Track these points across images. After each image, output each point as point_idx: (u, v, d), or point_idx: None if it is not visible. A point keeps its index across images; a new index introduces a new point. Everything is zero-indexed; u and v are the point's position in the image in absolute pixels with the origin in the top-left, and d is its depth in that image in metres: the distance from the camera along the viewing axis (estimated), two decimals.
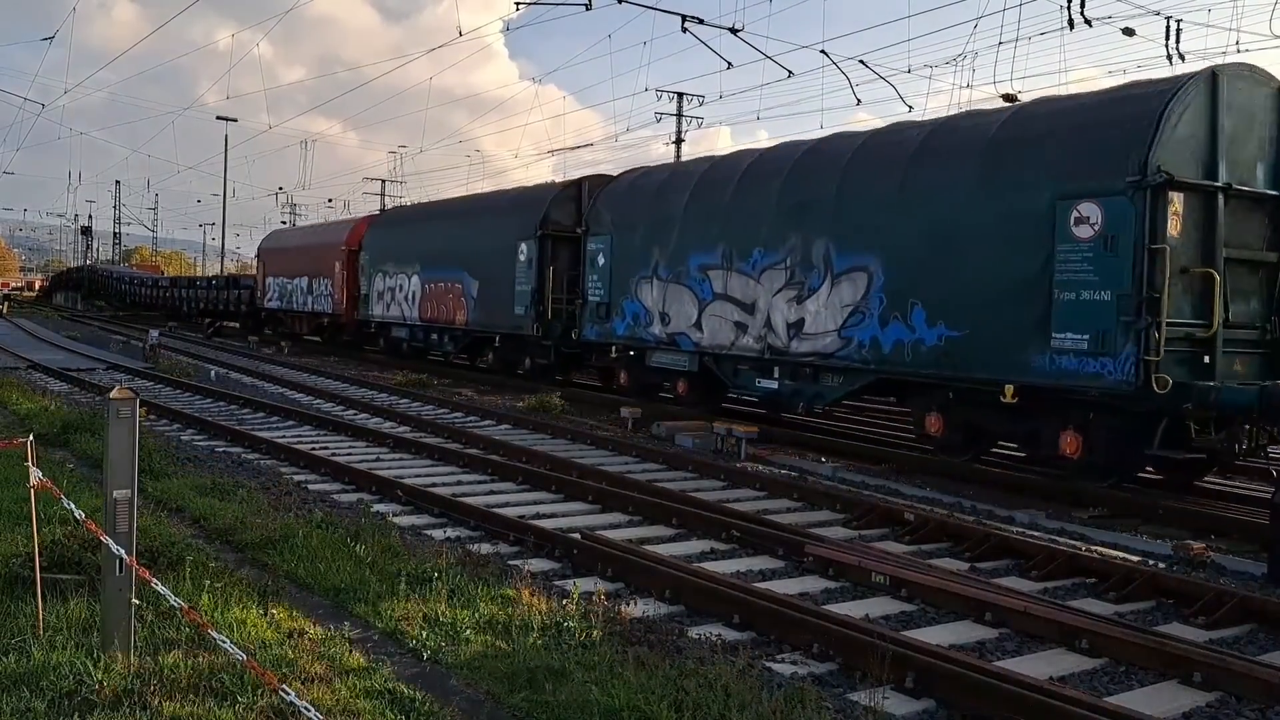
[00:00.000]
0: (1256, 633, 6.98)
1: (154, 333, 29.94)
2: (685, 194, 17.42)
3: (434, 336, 26.73)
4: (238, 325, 44.49)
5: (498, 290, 22.83)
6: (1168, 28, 19.37)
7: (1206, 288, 10.66)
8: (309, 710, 3.43)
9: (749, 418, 17.00)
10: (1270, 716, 5.44)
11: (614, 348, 19.09)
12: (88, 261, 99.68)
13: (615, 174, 21.20)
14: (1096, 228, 10.79)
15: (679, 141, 42.76)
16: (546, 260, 21.24)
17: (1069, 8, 17.78)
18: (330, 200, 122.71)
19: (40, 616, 5.47)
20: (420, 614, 6.12)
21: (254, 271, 43.67)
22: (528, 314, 21.58)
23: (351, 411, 17.71)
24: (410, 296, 27.12)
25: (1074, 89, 12.85)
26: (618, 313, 18.75)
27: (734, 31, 20.62)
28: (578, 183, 21.98)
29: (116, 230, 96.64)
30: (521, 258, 21.79)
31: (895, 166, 13.32)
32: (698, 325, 16.67)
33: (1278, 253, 11.22)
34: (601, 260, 19.34)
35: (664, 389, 18.84)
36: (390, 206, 32.90)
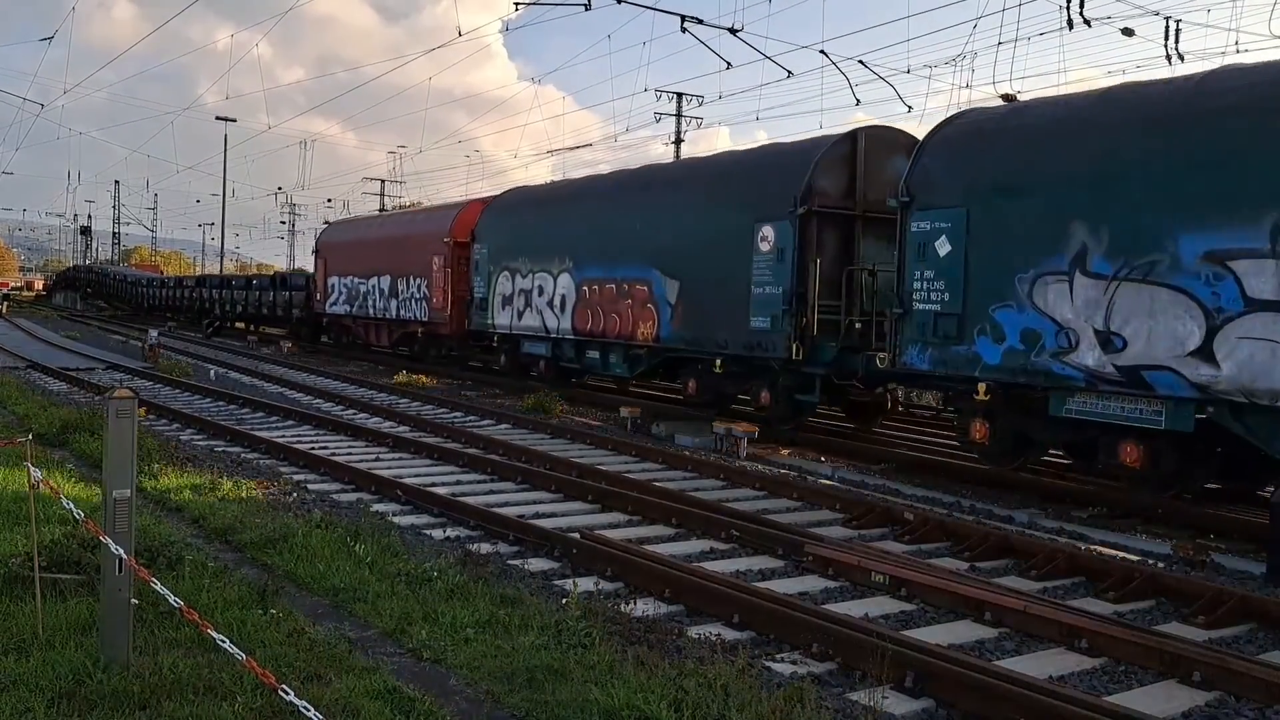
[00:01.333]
0: (1256, 632, 6.98)
1: (153, 332, 29.91)
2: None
3: (595, 354, 19.42)
4: (285, 333, 38.60)
5: (715, 294, 16.01)
6: (1167, 28, 19.39)
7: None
8: (308, 710, 3.42)
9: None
10: (1269, 716, 5.44)
11: (982, 386, 11.86)
12: (88, 260, 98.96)
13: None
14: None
15: (678, 142, 42.78)
16: (811, 249, 14.57)
17: (1068, 8, 17.80)
18: (329, 200, 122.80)
19: (39, 616, 5.47)
20: (420, 614, 6.12)
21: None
22: (777, 328, 14.78)
23: (351, 411, 17.70)
24: (556, 302, 20.19)
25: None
26: (982, 329, 11.72)
27: (733, 32, 20.62)
28: (850, 136, 15.29)
29: (116, 230, 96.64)
30: (765, 246, 15.10)
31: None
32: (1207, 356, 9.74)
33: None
34: (945, 248, 12.26)
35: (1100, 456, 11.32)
36: (514, 187, 25.10)
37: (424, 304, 26.08)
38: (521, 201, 23.46)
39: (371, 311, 29.07)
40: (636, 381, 20.89)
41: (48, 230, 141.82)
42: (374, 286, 28.92)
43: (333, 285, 31.85)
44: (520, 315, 21.59)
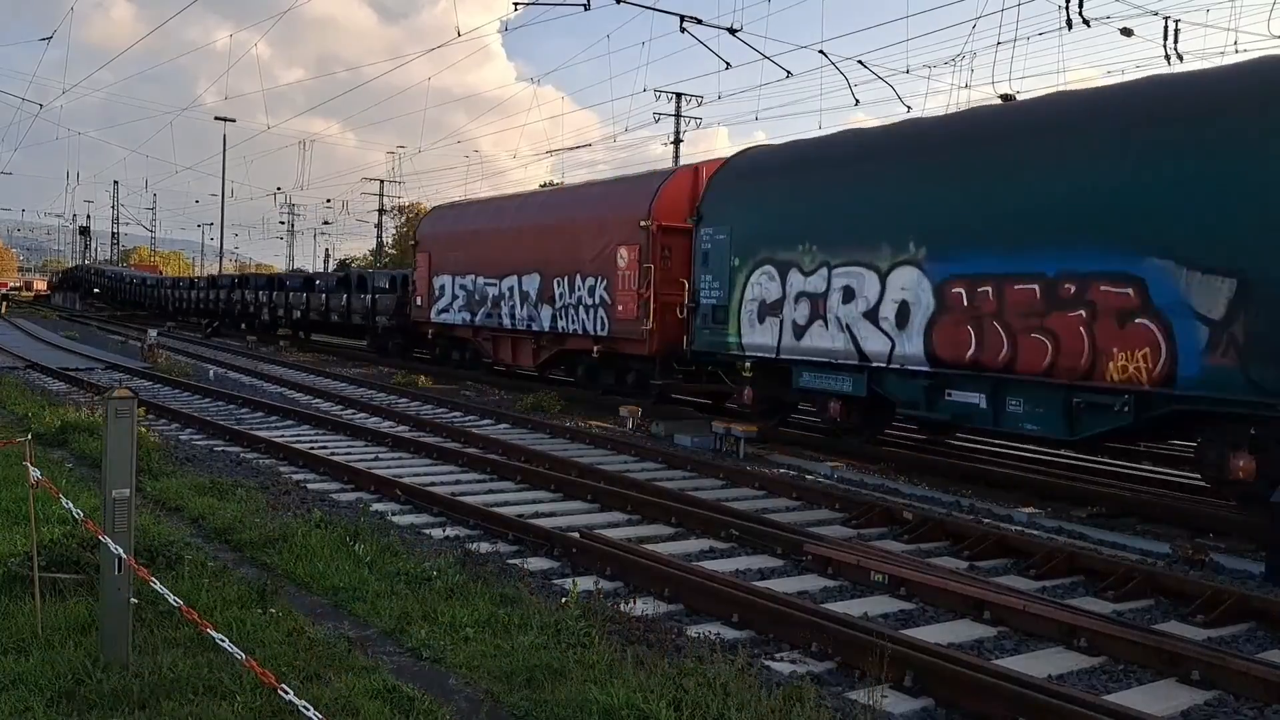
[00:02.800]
0: (1255, 631, 6.98)
1: (153, 332, 29.91)
2: None
3: (976, 399, 12.03)
4: (367, 346, 31.92)
5: None
6: (1166, 28, 19.39)
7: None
8: (308, 709, 3.42)
9: None
10: (1268, 714, 5.45)
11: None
12: (93, 259, 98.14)
13: None
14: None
15: (677, 142, 42.81)
16: None
17: (1067, 8, 17.79)
18: (329, 200, 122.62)
19: (39, 616, 5.47)
20: (419, 613, 6.12)
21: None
22: None
23: (350, 411, 17.71)
24: (886, 313, 12.93)
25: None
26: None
27: (732, 32, 20.62)
28: None
29: (115, 230, 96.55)
30: None
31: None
32: None
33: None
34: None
35: None
36: (755, 146, 18.29)
37: (599, 312, 19.00)
38: (794, 162, 15.26)
39: (506, 321, 22.08)
40: (1078, 446, 12.93)
41: (47, 230, 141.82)
42: (511, 289, 21.92)
43: (441, 287, 24.72)
44: (801, 332, 14.22)
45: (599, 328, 19.08)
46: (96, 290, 72.95)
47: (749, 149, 16.99)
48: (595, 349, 19.27)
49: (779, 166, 15.53)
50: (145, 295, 59.63)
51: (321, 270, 74.44)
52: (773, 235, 14.83)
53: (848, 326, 13.51)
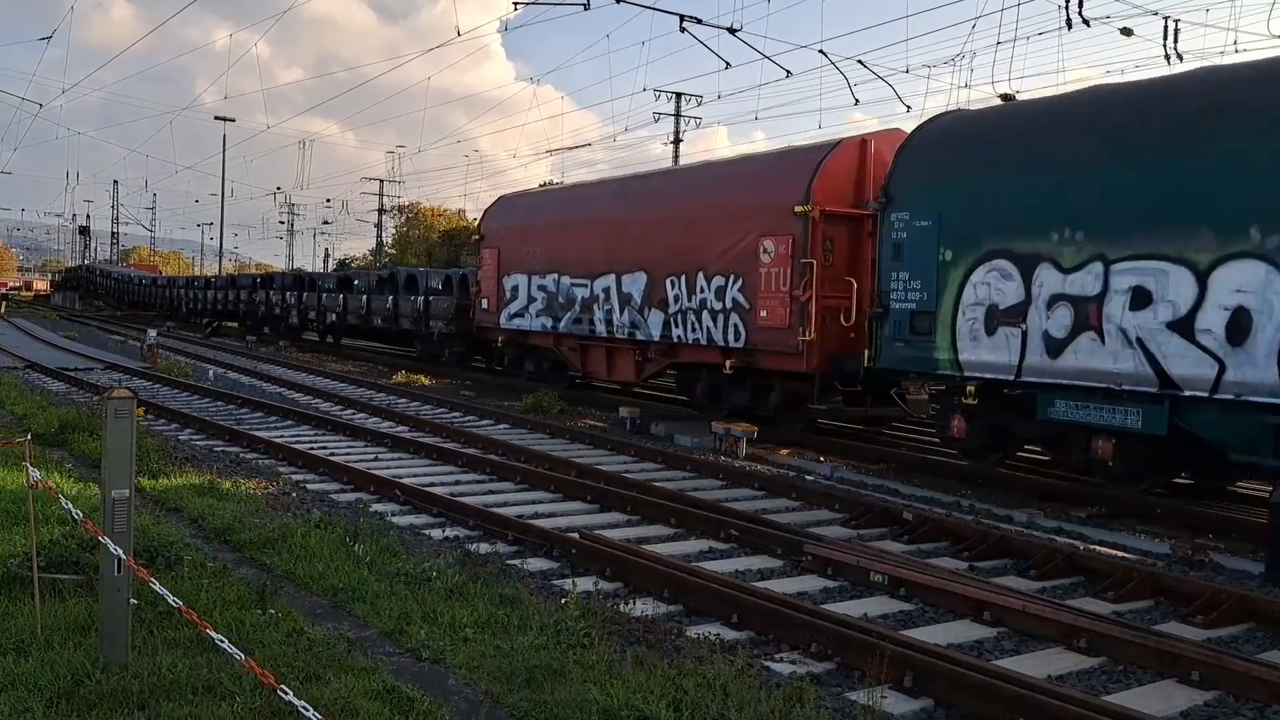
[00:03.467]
0: (1255, 631, 6.98)
1: (152, 333, 29.90)
2: None
3: None
4: (417, 356, 28.14)
5: None
6: (1165, 27, 19.39)
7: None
8: (307, 710, 3.42)
9: None
10: (1268, 715, 5.45)
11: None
12: (93, 259, 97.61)
13: None
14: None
15: (677, 141, 42.80)
16: None
17: (1067, 8, 17.79)
18: (328, 200, 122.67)
19: (38, 616, 5.47)
20: (419, 613, 6.12)
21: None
22: None
23: (350, 411, 17.70)
24: (1239, 324, 9.48)
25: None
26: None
27: (732, 31, 20.62)
28: None
29: (115, 230, 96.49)
30: None
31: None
32: None
33: None
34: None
35: None
36: (952, 111, 13.64)
37: (732, 318, 15.69)
38: (1037, 124, 11.87)
39: (600, 329, 18.74)
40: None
41: (46, 230, 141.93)
42: (607, 291, 18.56)
43: (514, 288, 21.41)
44: (1057, 348, 10.98)
45: (731, 337, 15.66)
46: (101, 292, 70.57)
47: (946, 114, 13.50)
48: (727, 363, 15.74)
49: (1012, 131, 12.11)
50: (155, 296, 55.99)
51: (323, 269, 73.94)
52: (1007, 220, 11.48)
53: (1139, 341, 10.15)
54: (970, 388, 11.82)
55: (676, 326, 16.92)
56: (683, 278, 16.74)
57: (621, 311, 18.19)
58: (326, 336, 36.15)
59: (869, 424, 16.45)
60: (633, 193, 19.13)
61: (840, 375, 14.33)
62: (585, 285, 19.22)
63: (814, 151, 15.29)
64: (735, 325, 15.66)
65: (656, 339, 17.41)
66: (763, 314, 15.10)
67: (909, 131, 13.59)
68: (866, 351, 13.23)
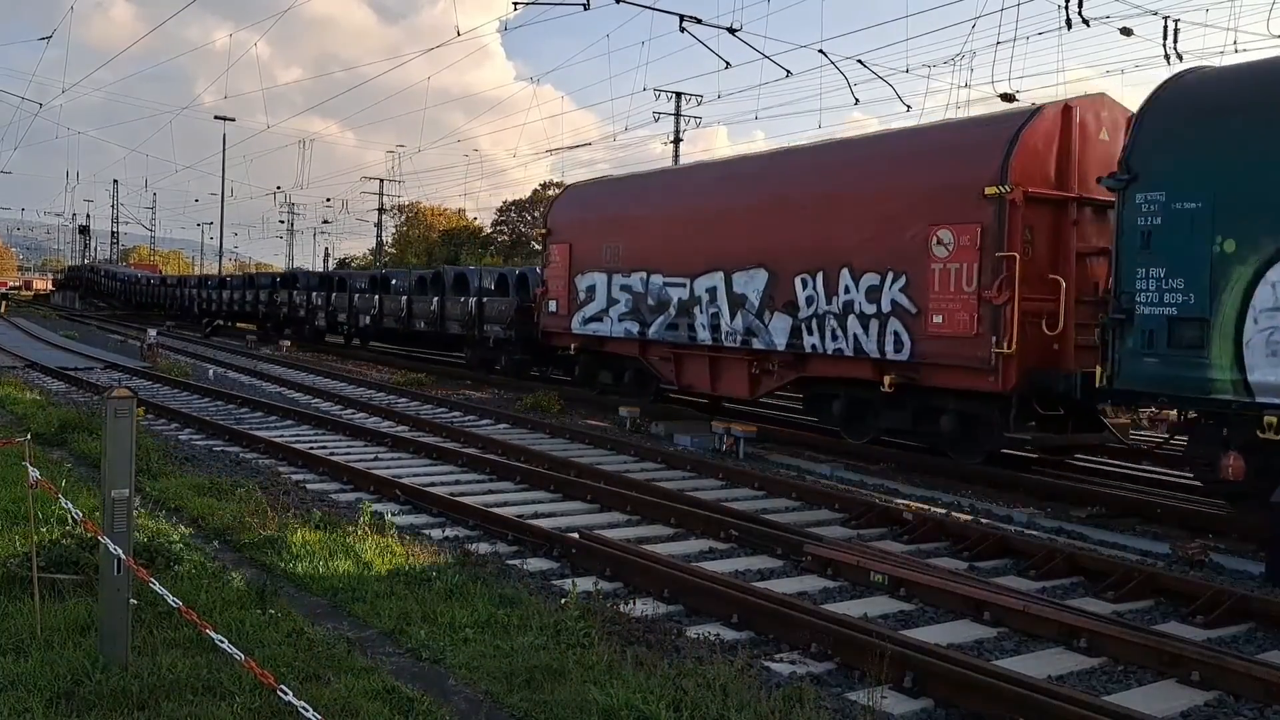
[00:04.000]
0: (1255, 632, 6.98)
1: (152, 332, 29.89)
2: None
3: None
4: (468, 362, 25.05)
5: None
6: (1165, 27, 19.39)
7: None
8: (307, 710, 3.42)
9: None
10: (1268, 715, 5.45)
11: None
12: (94, 259, 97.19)
13: None
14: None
15: (677, 141, 42.80)
16: None
17: (1067, 7, 17.79)
18: (328, 200, 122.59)
19: (38, 616, 5.46)
20: (419, 614, 6.12)
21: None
22: None
23: (350, 411, 17.70)
24: None
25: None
26: None
27: (732, 31, 20.62)
28: None
29: (114, 229, 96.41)
30: None
31: None
32: None
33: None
34: None
35: None
36: (1200, 67, 10.58)
37: (892, 325, 13.03)
38: None
39: (703, 335, 16.08)
40: None
41: (46, 230, 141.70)
42: (712, 292, 15.89)
43: (589, 288, 18.70)
44: None
45: (890, 347, 12.99)
46: (105, 292, 68.00)
47: (1215, 68, 10.95)
48: (886, 379, 13.03)
49: None
50: (163, 297, 53.13)
51: (323, 269, 73.52)
52: None
53: None
54: (1272, 418, 9.23)
55: (809, 334, 14.13)
56: (818, 276, 13.98)
57: (733, 316, 15.43)
58: (352, 340, 34.20)
59: (1058, 453, 13.58)
60: (746, 175, 16.33)
61: (1039, 395, 11.78)
62: (682, 285, 16.41)
63: (1005, 121, 12.57)
64: (895, 333, 12.91)
65: (780, 348, 14.63)
66: (936, 320, 12.39)
67: (1157, 86, 10.57)
68: (1098, 369, 10.58)
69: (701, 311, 16.08)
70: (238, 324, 43.45)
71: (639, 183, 19.44)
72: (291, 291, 36.21)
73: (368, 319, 29.73)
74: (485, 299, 23.67)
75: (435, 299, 25.78)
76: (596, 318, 18.59)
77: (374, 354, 31.72)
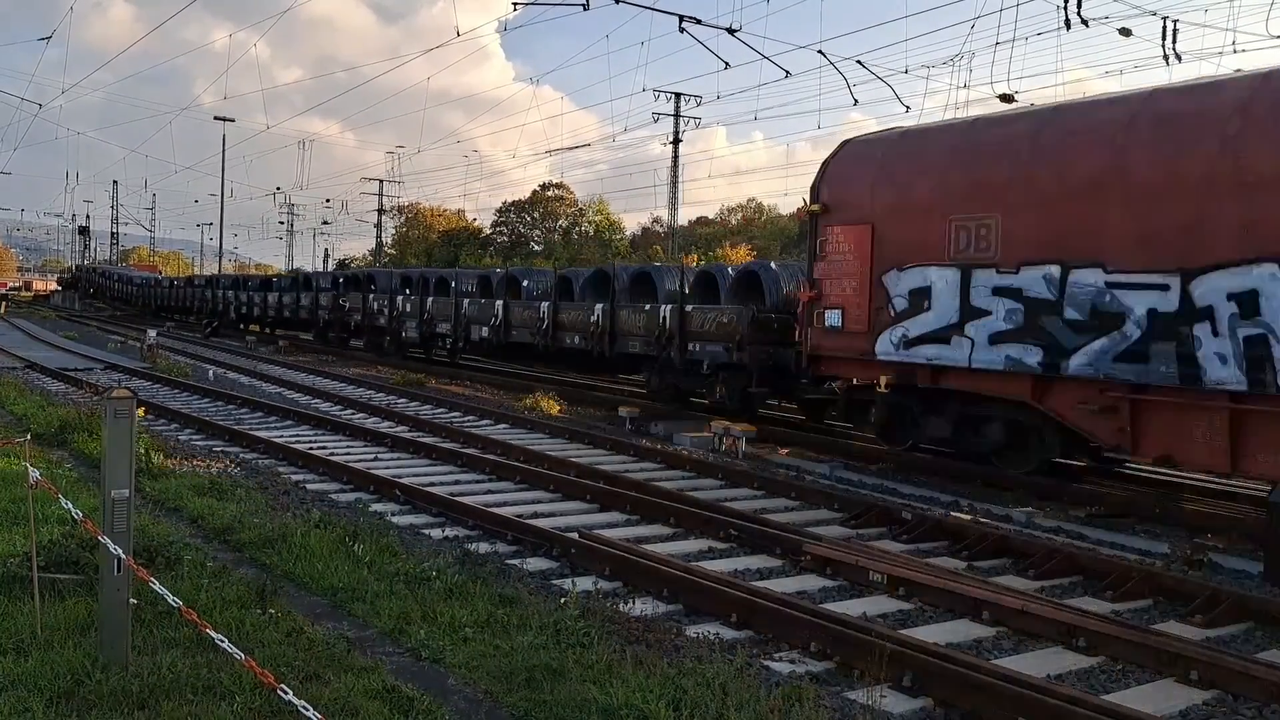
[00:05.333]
0: (1253, 631, 6.99)
1: (151, 333, 29.90)
2: None
3: None
4: (651, 388, 19.29)
5: None
6: (1164, 28, 19.40)
7: None
8: (307, 709, 3.43)
9: None
10: (1267, 714, 5.45)
11: None
12: (93, 259, 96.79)
13: None
14: None
15: (676, 141, 42.85)
16: None
17: (1065, 8, 17.82)
18: (328, 200, 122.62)
19: (38, 616, 5.47)
20: (419, 613, 6.13)
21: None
22: None
23: (349, 411, 17.70)
24: None
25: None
26: None
27: (731, 32, 20.63)
28: None
29: (114, 230, 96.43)
30: None
31: None
32: None
33: None
34: None
35: None
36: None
37: None
38: None
39: (1218, 372, 9.44)
40: None
41: (46, 230, 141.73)
42: (1243, 299, 9.30)
43: (919, 292, 12.39)
44: None
45: None
46: (116, 296, 64.29)
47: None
48: None
49: None
50: (190, 300, 48.14)
51: (322, 269, 72.57)
52: None
53: None
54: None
55: None
56: None
57: None
58: (455, 355, 27.83)
59: None
60: None
61: None
62: (1159, 288, 9.93)
63: None
64: None
65: None
66: None
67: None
68: None
69: (1214, 332, 9.50)
70: (276, 332, 38.89)
71: (1039, 122, 11.67)
72: (368, 295, 30.52)
73: (484, 330, 23.12)
74: (690, 308, 17.16)
75: (600, 306, 19.16)
76: (935, 337, 12.16)
77: (492, 374, 25.58)
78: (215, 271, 64.21)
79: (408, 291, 29.06)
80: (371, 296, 30.29)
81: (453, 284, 27.22)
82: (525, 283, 24.33)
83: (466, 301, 24.55)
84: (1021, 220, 11.27)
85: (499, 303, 22.99)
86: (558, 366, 23.66)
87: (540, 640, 5.64)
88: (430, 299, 26.64)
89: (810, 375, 14.48)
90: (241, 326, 41.07)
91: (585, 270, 23.97)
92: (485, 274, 27.84)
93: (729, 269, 19.17)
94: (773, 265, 17.67)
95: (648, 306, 18.39)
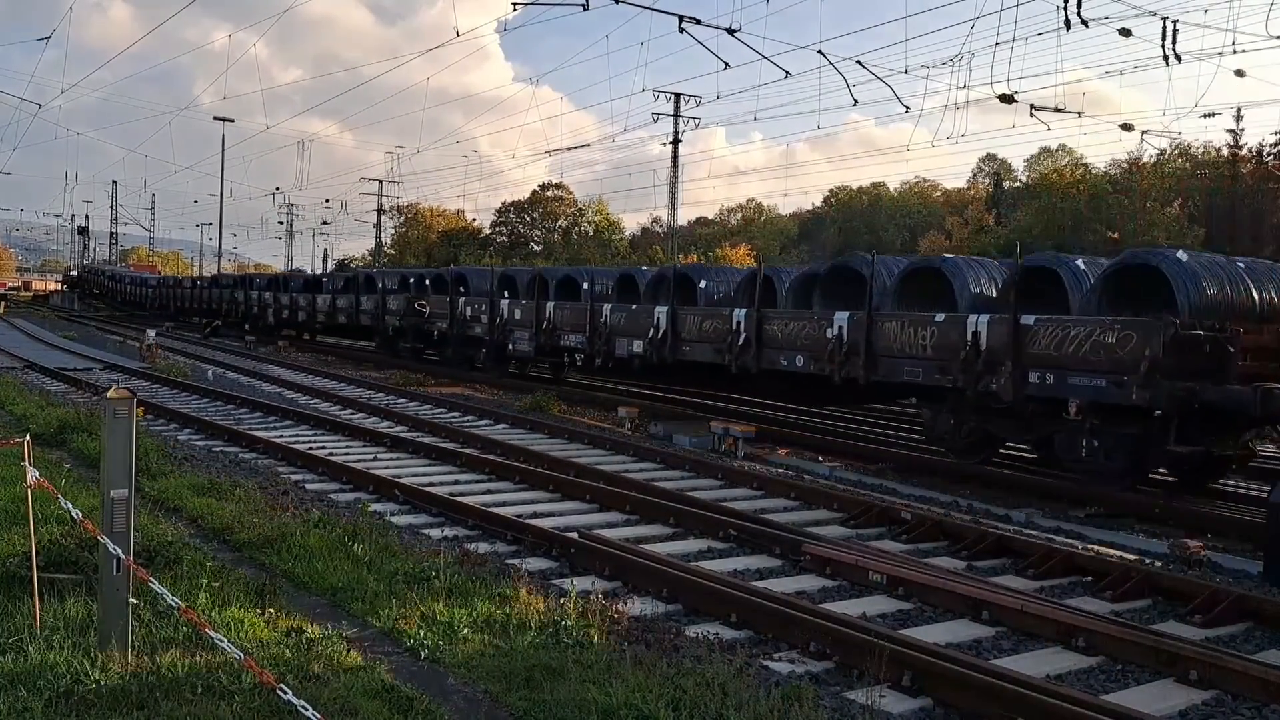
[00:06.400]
0: (1253, 631, 6.99)
1: (151, 333, 29.91)
2: None
3: None
4: (940, 435, 13.61)
5: None
6: (1164, 28, 19.41)
7: None
8: (306, 709, 3.43)
9: None
10: (1266, 714, 5.46)
11: None
12: (92, 259, 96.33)
13: None
14: None
15: (676, 141, 42.86)
16: None
17: (1065, 8, 17.82)
18: (327, 200, 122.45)
19: (37, 616, 5.47)
20: (418, 613, 6.12)
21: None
22: None
23: (349, 411, 17.70)
24: None
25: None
26: None
27: (731, 32, 20.62)
28: None
29: (113, 230, 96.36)
30: None
31: None
32: None
33: None
34: None
35: None
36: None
37: None
38: None
39: None
40: None
41: (45, 230, 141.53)
42: None
43: None
44: None
45: None
46: (127, 299, 60.27)
47: None
48: None
49: None
50: (216, 301, 44.01)
51: (322, 269, 71.80)
52: None
53: None
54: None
55: None
56: None
57: None
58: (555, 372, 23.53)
59: None
60: None
61: None
62: None
63: None
64: None
65: None
66: None
67: None
68: None
69: None
70: (317, 339, 34.11)
71: None
72: (457, 298, 25.16)
73: (636, 345, 18.01)
74: (1039, 319, 11.61)
75: (845, 316, 13.89)
76: None
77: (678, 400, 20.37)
78: (215, 271, 63.80)
79: (510, 297, 23.68)
80: (464, 301, 24.90)
81: (588, 284, 21.85)
82: (703, 284, 18.89)
83: (608, 308, 19.33)
84: None
85: (660, 310, 17.71)
86: (746, 389, 18.74)
87: (540, 640, 5.64)
88: (550, 304, 21.39)
89: None
90: (277, 333, 36.46)
91: (800, 268, 19.49)
92: (622, 273, 22.93)
93: (1077, 261, 13.35)
94: (1182, 255, 12.01)
95: (939, 317, 12.76)
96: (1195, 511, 10.48)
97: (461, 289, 26.71)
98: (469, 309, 24.50)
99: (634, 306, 19.02)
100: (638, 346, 17.87)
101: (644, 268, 25.97)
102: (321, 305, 32.76)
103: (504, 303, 23.09)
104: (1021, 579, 8.05)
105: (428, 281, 29.03)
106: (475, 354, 24.74)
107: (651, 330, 17.60)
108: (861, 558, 7.85)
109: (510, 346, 22.44)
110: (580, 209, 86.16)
